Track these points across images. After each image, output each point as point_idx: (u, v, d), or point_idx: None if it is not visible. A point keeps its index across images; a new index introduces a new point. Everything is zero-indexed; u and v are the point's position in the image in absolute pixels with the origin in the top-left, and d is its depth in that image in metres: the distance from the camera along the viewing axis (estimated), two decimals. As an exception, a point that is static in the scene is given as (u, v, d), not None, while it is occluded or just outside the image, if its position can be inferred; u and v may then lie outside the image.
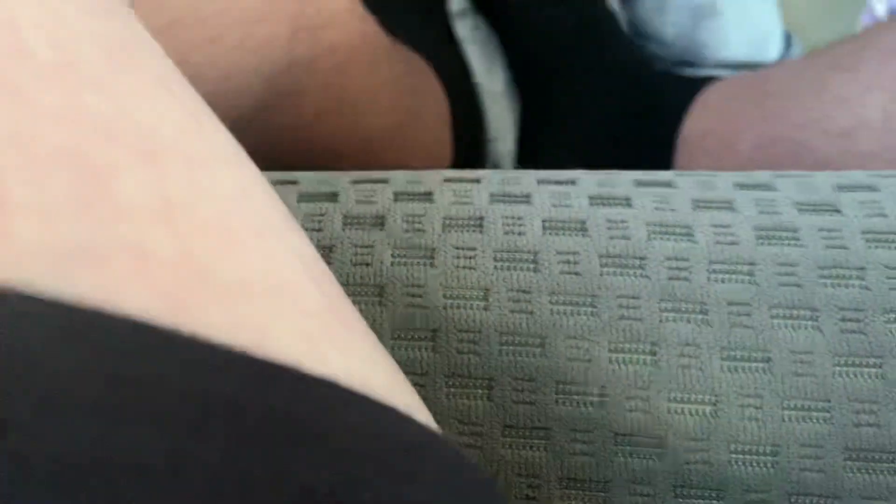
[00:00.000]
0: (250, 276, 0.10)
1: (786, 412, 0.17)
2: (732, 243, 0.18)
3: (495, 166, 0.49)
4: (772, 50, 0.53)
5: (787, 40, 0.53)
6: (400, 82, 0.41)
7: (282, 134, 0.35)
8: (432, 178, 0.20)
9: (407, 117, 0.42)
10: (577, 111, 0.50)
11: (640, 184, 0.20)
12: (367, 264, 0.18)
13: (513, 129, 0.51)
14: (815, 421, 0.17)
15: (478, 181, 0.20)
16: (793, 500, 0.17)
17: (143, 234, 0.09)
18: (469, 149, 0.47)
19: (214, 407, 0.08)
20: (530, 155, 0.50)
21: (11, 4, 0.10)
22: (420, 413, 0.12)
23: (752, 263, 0.18)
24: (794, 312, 0.17)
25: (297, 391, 0.10)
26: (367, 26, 0.37)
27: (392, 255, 0.18)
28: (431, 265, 0.18)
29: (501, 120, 0.50)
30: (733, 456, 0.17)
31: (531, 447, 0.17)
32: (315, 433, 0.09)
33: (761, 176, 0.20)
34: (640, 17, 0.54)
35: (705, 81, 0.46)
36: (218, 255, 0.10)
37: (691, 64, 0.53)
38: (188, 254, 0.10)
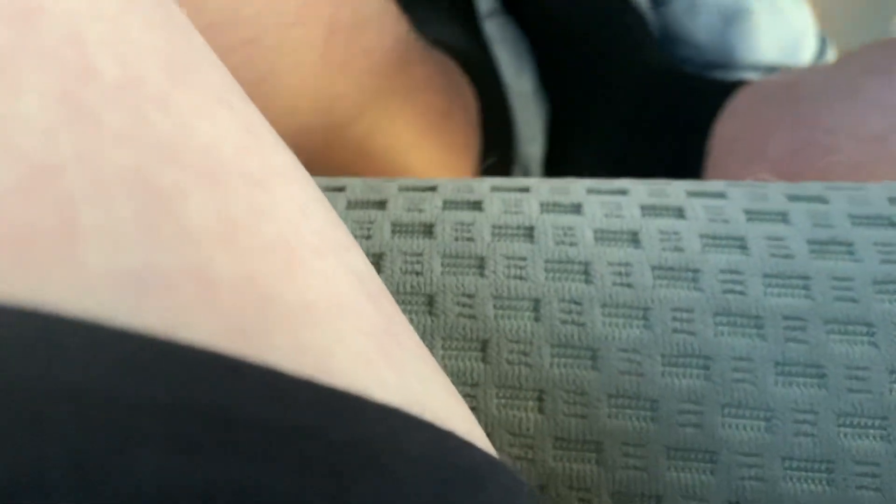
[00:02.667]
0: (312, 298, 0.10)
1: (841, 429, 0.17)
2: (787, 256, 0.18)
3: (524, 168, 0.49)
4: (805, 53, 0.52)
5: (822, 43, 0.52)
6: (432, 83, 0.41)
7: (312, 135, 0.35)
8: (481, 187, 0.20)
9: (438, 118, 0.42)
10: (607, 114, 0.49)
11: (691, 194, 0.19)
12: (418, 273, 0.18)
13: (542, 131, 0.50)
14: (871, 438, 0.17)
15: (527, 190, 0.20)
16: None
17: (208, 258, 0.09)
18: (498, 150, 0.47)
19: (281, 436, 0.08)
20: (559, 157, 0.49)
21: (77, 20, 0.10)
22: (477, 434, 0.12)
23: (806, 277, 0.17)
24: (850, 328, 0.17)
25: (360, 420, 0.10)
26: (400, 28, 0.37)
27: (442, 264, 0.18)
28: (481, 274, 0.18)
29: (530, 122, 0.50)
30: (787, 472, 0.17)
31: (582, 460, 0.17)
32: (379, 463, 0.09)
33: (813, 187, 0.20)
34: (670, 20, 0.54)
35: (736, 85, 0.46)
36: (280, 277, 0.10)
37: (722, 66, 0.53)
38: (251, 278, 0.10)
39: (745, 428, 0.17)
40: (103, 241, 0.09)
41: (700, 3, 0.53)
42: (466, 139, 0.45)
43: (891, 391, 0.17)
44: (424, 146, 0.41)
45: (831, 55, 0.51)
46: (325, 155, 0.36)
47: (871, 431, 0.17)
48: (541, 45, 0.52)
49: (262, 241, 0.10)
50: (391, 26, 0.36)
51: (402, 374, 0.11)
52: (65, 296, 0.08)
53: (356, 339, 0.11)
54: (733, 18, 0.53)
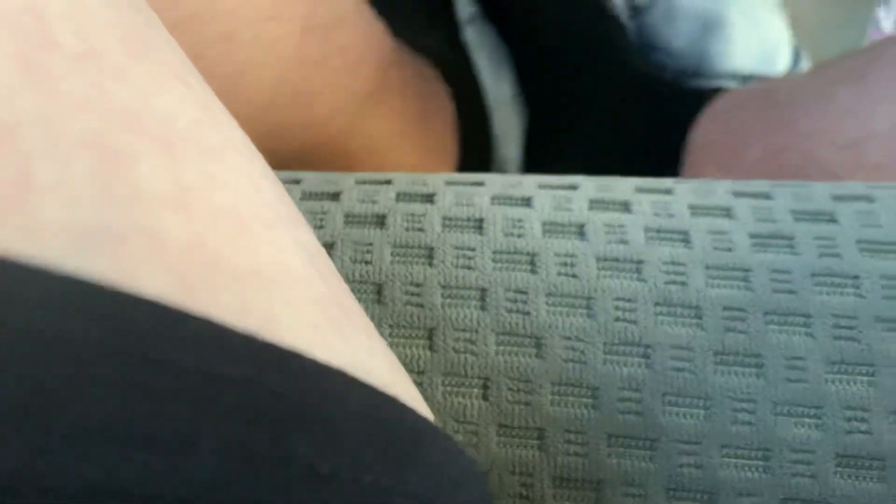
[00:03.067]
0: (260, 265, 0.11)
1: (778, 417, 0.17)
2: (728, 249, 0.18)
3: (501, 172, 0.49)
4: (780, 63, 0.53)
5: (796, 54, 0.53)
6: (408, 86, 0.41)
7: (292, 133, 0.36)
8: (435, 180, 0.20)
9: (414, 121, 0.42)
10: (585, 120, 0.50)
11: (639, 190, 0.20)
12: (367, 262, 0.18)
13: (519, 136, 0.51)
14: (806, 426, 0.17)
15: (481, 184, 0.20)
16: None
17: (159, 219, 0.10)
18: (475, 154, 0.48)
19: (224, 387, 0.09)
20: (537, 162, 0.50)
21: None
22: (419, 405, 0.13)
23: (747, 269, 0.18)
24: (788, 319, 0.17)
25: (303, 376, 0.10)
26: (375, 29, 0.37)
27: (392, 254, 0.18)
28: (430, 264, 0.18)
29: (508, 127, 0.51)
30: (725, 459, 0.17)
31: (525, 446, 0.17)
32: (320, 417, 0.10)
33: (759, 185, 0.20)
34: (648, 28, 0.55)
35: (713, 92, 0.47)
36: (229, 242, 0.11)
37: (699, 75, 0.53)
38: (201, 240, 0.10)
39: (684, 415, 0.17)
40: (57, 196, 0.09)
41: (677, 12, 0.54)
42: (444, 142, 0.46)
43: (826, 381, 0.17)
44: (402, 148, 0.42)
45: (806, 65, 0.51)
46: (304, 153, 0.36)
47: (807, 420, 0.17)
48: (520, 51, 0.52)
49: (213, 207, 0.11)
50: (366, 27, 0.36)
51: (348, 343, 0.12)
52: (18, 245, 0.08)
53: (302, 306, 0.11)
54: (710, 28, 0.53)
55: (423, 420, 0.12)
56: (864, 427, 0.17)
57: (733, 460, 0.17)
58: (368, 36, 0.36)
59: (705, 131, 0.45)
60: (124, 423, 0.08)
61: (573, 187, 0.20)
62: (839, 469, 0.17)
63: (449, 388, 0.17)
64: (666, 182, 0.20)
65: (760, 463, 0.17)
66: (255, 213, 0.12)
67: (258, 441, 0.09)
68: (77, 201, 0.09)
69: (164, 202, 0.10)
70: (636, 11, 0.55)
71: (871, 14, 0.50)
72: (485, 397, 0.17)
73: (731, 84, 0.50)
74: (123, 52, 0.11)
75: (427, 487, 0.11)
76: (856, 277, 0.18)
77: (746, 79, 0.52)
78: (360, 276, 0.18)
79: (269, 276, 0.11)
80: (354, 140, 0.39)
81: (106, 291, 0.09)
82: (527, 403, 0.17)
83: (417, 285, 0.18)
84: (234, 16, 0.28)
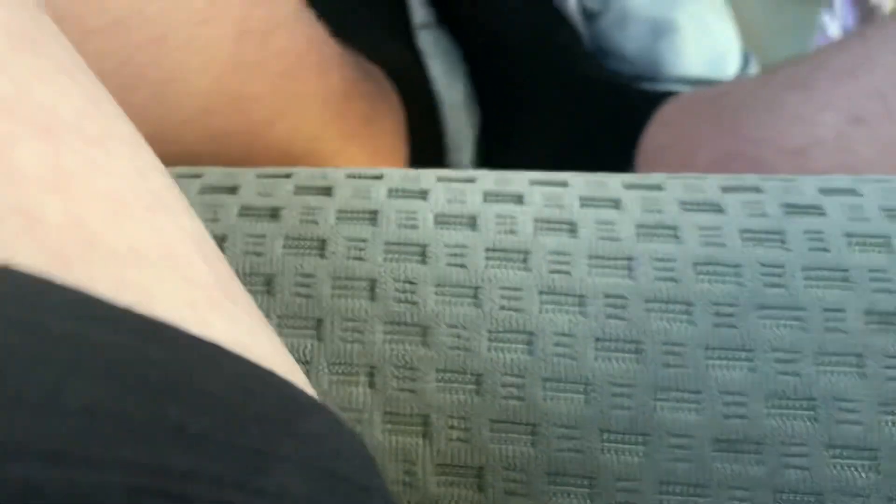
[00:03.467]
0: (138, 245, 0.11)
1: (658, 402, 0.17)
2: (613, 239, 0.19)
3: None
4: (730, 67, 0.54)
5: (745, 58, 0.53)
6: (353, 89, 0.41)
7: (231, 138, 0.36)
8: (335, 175, 0.20)
9: (361, 124, 0.42)
10: (537, 124, 0.50)
11: (533, 182, 0.20)
12: (258, 254, 0.18)
13: (472, 141, 0.51)
14: (685, 411, 0.17)
15: (380, 177, 0.20)
16: (663, 488, 0.17)
17: (35, 200, 0.10)
18: (427, 158, 0.48)
19: (92, 349, 0.09)
20: (490, 166, 0.50)
21: None
22: (303, 384, 0.13)
23: (629, 258, 0.18)
24: (670, 306, 0.18)
25: (175, 344, 0.10)
26: (315, 32, 0.37)
27: (283, 246, 0.18)
28: (322, 256, 0.18)
29: (460, 131, 0.51)
30: (605, 444, 0.17)
31: (410, 433, 0.17)
32: (191, 382, 0.10)
33: (654, 178, 0.20)
34: (600, 33, 0.55)
35: (664, 96, 0.47)
36: (108, 223, 0.11)
37: (650, 79, 0.54)
38: (77, 220, 0.11)
39: (564, 401, 0.17)
40: None
41: (629, 17, 0.55)
42: (394, 145, 0.46)
43: (706, 367, 0.18)
44: (349, 151, 0.42)
45: (754, 69, 0.52)
46: (249, 157, 0.36)
47: (686, 405, 0.17)
48: (474, 55, 0.53)
49: (93, 190, 0.11)
50: (305, 30, 0.36)
51: (230, 323, 0.12)
52: None
53: (182, 286, 0.11)
54: (661, 33, 0.54)
55: (303, 393, 0.12)
56: (740, 412, 0.17)
57: (613, 444, 0.17)
58: (308, 39, 0.37)
59: (656, 136, 0.46)
60: None
61: (470, 181, 0.20)
62: (717, 453, 0.17)
63: (335, 377, 0.18)
64: (562, 175, 0.21)
65: (640, 447, 0.17)
66: (137, 199, 0.12)
67: (126, 401, 0.09)
68: None
69: (43, 184, 0.10)
70: (589, 17, 0.55)
71: (818, 19, 0.51)
72: (371, 385, 0.18)
73: (681, 88, 0.51)
74: (5, 46, 0.11)
75: (305, 454, 0.11)
76: (737, 266, 0.18)
77: (697, 83, 0.53)
78: (251, 267, 0.18)
79: (148, 256, 0.11)
80: (298, 144, 0.39)
81: None
82: (412, 391, 0.17)
83: (308, 276, 0.18)
84: (164, 20, 0.29)
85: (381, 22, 0.51)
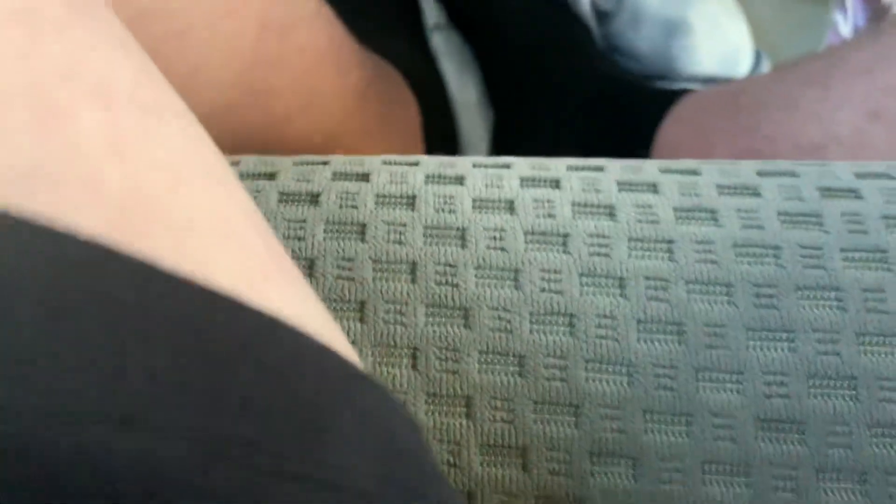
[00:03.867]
0: (196, 215, 0.11)
1: (700, 383, 0.17)
2: (653, 222, 0.19)
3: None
4: (742, 66, 0.54)
5: (757, 57, 0.54)
6: (370, 88, 0.41)
7: (252, 133, 0.36)
8: (372, 161, 0.20)
9: (376, 123, 0.42)
10: (551, 123, 0.50)
11: (571, 168, 0.20)
12: (300, 238, 0.18)
13: (486, 140, 0.51)
14: (727, 392, 0.17)
15: (416, 164, 0.20)
16: (706, 468, 0.17)
17: (95, 166, 0.10)
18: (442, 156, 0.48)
19: (157, 318, 0.09)
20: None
21: None
22: (354, 358, 0.13)
23: (670, 241, 0.18)
24: (710, 288, 0.18)
25: (235, 315, 0.10)
26: (334, 30, 0.37)
27: (324, 230, 0.19)
28: (362, 240, 0.18)
29: (474, 131, 0.51)
30: (648, 424, 0.17)
31: (453, 414, 0.17)
32: (251, 353, 0.10)
33: (687, 163, 0.21)
34: (614, 32, 0.55)
35: (678, 94, 0.47)
36: (166, 192, 0.11)
37: (664, 78, 0.54)
38: (137, 188, 0.11)
39: (607, 382, 0.17)
40: None
41: (642, 17, 0.55)
42: (409, 144, 0.46)
43: (747, 347, 0.18)
44: (364, 149, 0.42)
45: (766, 68, 0.52)
46: (267, 153, 0.37)
47: (728, 385, 0.17)
48: (487, 56, 0.53)
49: (149, 159, 0.11)
50: (325, 28, 0.37)
51: (283, 295, 0.12)
52: None
53: (238, 257, 0.12)
54: (674, 32, 0.54)
55: (354, 367, 0.12)
56: (782, 391, 0.17)
57: (656, 425, 0.17)
58: (329, 37, 0.37)
59: (670, 133, 0.46)
60: (57, 350, 0.08)
61: (507, 166, 0.20)
62: (759, 433, 0.17)
63: (379, 359, 0.18)
64: (598, 161, 0.21)
65: (683, 428, 0.17)
66: (192, 169, 0.12)
67: (188, 371, 0.09)
68: (14, 146, 0.10)
69: (102, 152, 0.11)
70: (602, 17, 0.56)
71: (830, 19, 0.51)
72: (414, 367, 0.18)
73: (694, 87, 0.51)
74: (65, 12, 0.12)
75: (361, 426, 0.11)
76: (776, 248, 0.18)
77: (709, 81, 0.53)
78: (293, 252, 0.18)
79: (205, 226, 0.11)
80: (315, 141, 0.39)
81: (42, 227, 0.09)
82: (454, 372, 0.18)
83: (349, 260, 0.18)
84: (188, 13, 0.29)
85: (394, 23, 0.52)
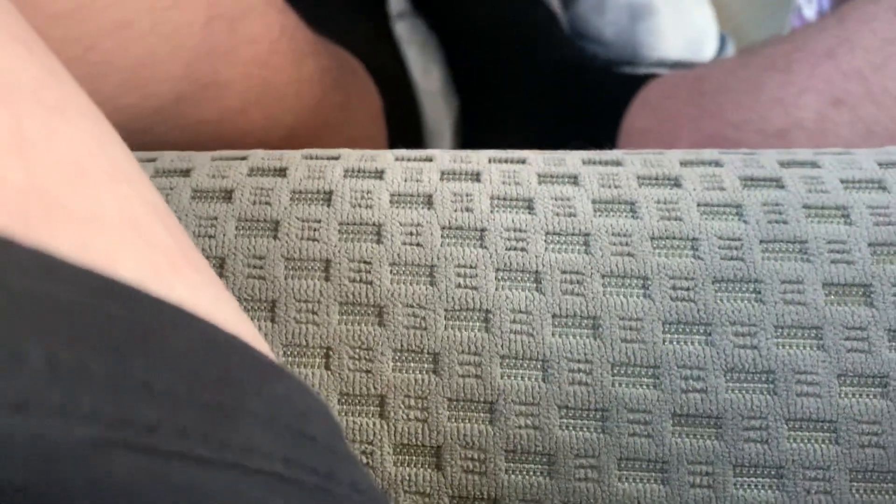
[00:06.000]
0: (100, 211, 0.11)
1: (615, 378, 0.17)
2: (570, 215, 0.18)
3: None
4: (707, 49, 0.54)
5: (722, 40, 0.53)
6: (327, 76, 0.41)
7: (205, 127, 0.35)
8: (292, 156, 0.20)
9: (335, 111, 0.42)
10: (517, 109, 0.50)
11: (492, 160, 0.20)
12: (210, 236, 0.18)
13: (451, 128, 0.51)
14: (643, 387, 0.17)
15: (336, 158, 0.20)
16: (621, 465, 0.17)
17: None
18: (406, 147, 0.48)
19: (53, 306, 0.09)
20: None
21: None
22: (266, 351, 0.13)
23: (587, 234, 0.18)
24: (626, 281, 0.18)
25: (138, 304, 0.10)
26: (287, 19, 0.37)
27: (236, 228, 0.18)
28: (275, 237, 0.18)
29: (438, 119, 0.51)
30: (563, 421, 0.17)
31: (367, 414, 0.17)
32: (154, 340, 0.10)
33: (611, 154, 0.20)
34: (579, 18, 0.55)
35: (644, 79, 0.47)
36: (69, 189, 0.11)
37: (629, 63, 0.54)
38: (39, 184, 0.11)
39: (522, 378, 0.17)
40: None
41: (607, 2, 0.54)
42: (371, 134, 0.46)
43: (663, 341, 0.17)
44: (325, 140, 0.41)
45: (731, 51, 0.52)
46: (222, 148, 0.36)
47: (644, 380, 0.17)
48: (452, 43, 0.53)
49: (53, 157, 0.11)
50: (277, 17, 0.36)
51: (193, 289, 0.12)
52: None
53: (145, 252, 0.11)
54: (639, 16, 0.54)
55: (267, 358, 0.12)
56: (699, 386, 0.17)
57: (571, 420, 0.17)
58: (281, 26, 0.36)
59: (637, 119, 0.46)
60: None
61: (429, 159, 0.20)
62: (676, 428, 0.17)
63: (291, 359, 0.17)
64: (521, 153, 0.20)
65: (598, 423, 0.17)
66: (98, 168, 0.12)
67: (87, 356, 0.09)
68: None
69: (4, 148, 0.10)
70: (567, 2, 0.55)
71: (794, 2, 0.51)
72: (327, 367, 0.17)
73: (660, 71, 0.51)
74: None
75: (272, 413, 0.11)
76: (695, 239, 0.18)
77: (675, 66, 0.53)
78: (204, 250, 0.18)
79: (110, 222, 0.11)
80: (273, 133, 0.39)
81: None
82: (368, 371, 0.17)
83: (261, 258, 0.18)
84: (129, 4, 0.28)
85: (356, 11, 0.51)
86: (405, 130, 0.48)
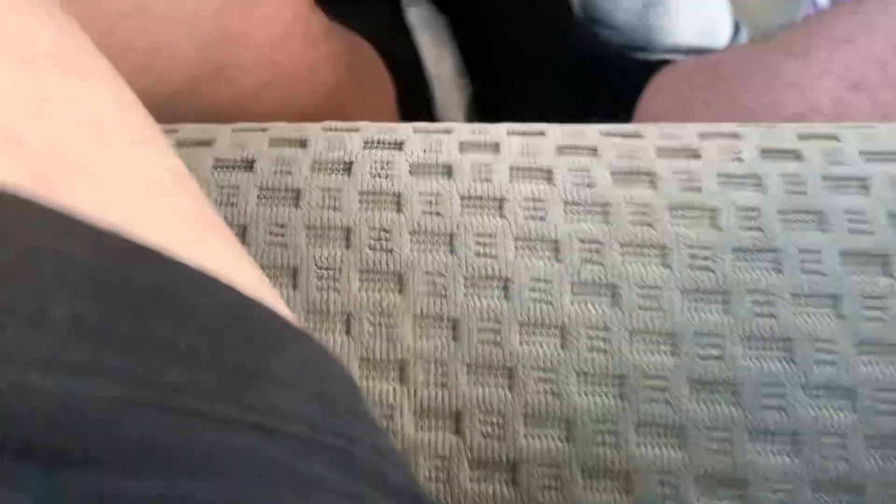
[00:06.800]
0: (121, 173, 0.11)
1: (634, 346, 0.17)
2: (589, 185, 0.18)
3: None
4: (721, 36, 0.53)
5: (736, 27, 0.53)
6: (340, 61, 0.41)
7: (220, 109, 0.36)
8: (312, 128, 0.20)
9: (348, 96, 0.42)
10: (529, 95, 0.50)
11: (511, 132, 0.20)
12: (232, 204, 0.18)
13: (462, 114, 0.51)
14: (661, 354, 0.17)
15: (356, 130, 0.20)
16: (640, 430, 0.17)
17: (15, 123, 0.10)
18: None
19: (76, 266, 0.09)
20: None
21: None
22: (288, 316, 0.13)
23: (606, 204, 0.18)
24: (645, 250, 0.18)
25: (160, 266, 0.10)
26: (301, 4, 0.37)
27: (258, 197, 0.18)
28: (296, 206, 0.18)
29: (450, 104, 0.51)
30: (581, 387, 0.17)
31: (387, 379, 0.17)
32: (177, 301, 0.10)
33: (630, 126, 0.20)
34: (592, 3, 0.55)
35: (658, 65, 0.47)
36: (90, 150, 0.11)
37: (643, 49, 0.54)
38: (58, 145, 0.11)
39: (540, 345, 0.17)
40: None
41: (620, -13, 0.54)
42: (383, 118, 0.46)
43: (681, 310, 0.17)
44: (338, 123, 0.42)
45: (745, 38, 0.52)
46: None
47: (662, 347, 0.17)
48: (465, 28, 0.53)
49: (74, 118, 0.11)
50: (290, 1, 0.36)
51: (215, 254, 0.12)
52: None
53: (167, 215, 0.11)
54: (652, 2, 0.54)
55: (289, 322, 0.12)
56: (716, 353, 0.17)
57: (589, 387, 0.17)
58: (294, 11, 0.36)
59: (651, 104, 0.46)
60: None
61: (447, 131, 0.20)
62: (693, 394, 0.17)
63: (312, 325, 0.18)
64: (540, 126, 0.21)
65: (616, 390, 0.17)
66: (119, 130, 0.12)
67: (111, 315, 0.09)
68: None
69: (23, 109, 0.10)
70: (580, -13, 0.55)
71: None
72: (348, 332, 0.18)
73: (674, 57, 0.51)
74: None
75: (294, 375, 0.11)
76: (713, 209, 0.18)
77: (689, 52, 0.52)
78: (226, 218, 0.18)
79: (131, 184, 0.11)
80: (286, 116, 0.39)
81: None
82: (388, 338, 0.17)
83: (282, 226, 0.18)
84: None
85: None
86: (417, 116, 0.48)
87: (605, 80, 0.48)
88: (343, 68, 0.41)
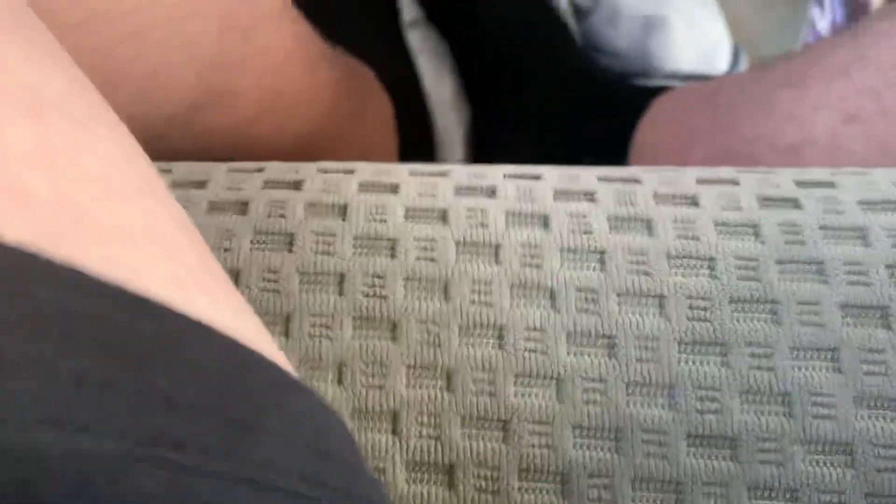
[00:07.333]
0: (127, 225, 0.11)
1: (630, 398, 0.17)
2: (586, 232, 0.18)
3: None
4: (720, 62, 0.54)
5: (735, 53, 0.53)
6: (339, 86, 0.41)
7: (219, 135, 0.36)
8: (307, 169, 0.20)
9: (347, 121, 0.42)
10: (529, 120, 0.50)
11: (507, 176, 0.20)
12: (226, 249, 0.18)
13: (461, 138, 0.51)
14: (658, 407, 0.17)
15: (351, 172, 0.20)
16: (635, 485, 0.17)
17: (23, 176, 0.10)
18: (417, 156, 0.48)
19: (82, 322, 0.09)
20: (482, 162, 0.50)
21: None
22: (286, 367, 0.13)
23: (602, 252, 0.18)
24: (641, 300, 0.18)
25: (163, 319, 0.10)
26: (300, 29, 0.37)
27: (251, 241, 0.18)
28: (289, 250, 0.18)
29: (450, 128, 0.51)
30: (577, 440, 0.17)
31: (379, 430, 0.17)
32: (179, 355, 0.10)
33: (628, 170, 0.20)
34: (591, 30, 0.55)
35: (657, 91, 0.47)
36: (96, 202, 0.11)
37: (642, 75, 0.54)
38: (66, 197, 0.11)
39: (536, 396, 0.17)
40: None
41: (620, 14, 0.54)
42: (383, 143, 0.46)
43: (679, 361, 0.17)
44: (337, 149, 0.42)
45: (744, 65, 0.52)
46: (234, 156, 0.36)
47: (659, 400, 0.17)
48: (465, 53, 0.53)
49: (80, 169, 0.11)
50: (290, 27, 0.36)
51: (215, 304, 0.12)
52: None
53: (170, 266, 0.12)
54: (652, 29, 0.54)
55: (289, 374, 0.12)
56: (714, 407, 0.17)
57: (585, 440, 0.17)
58: (294, 36, 0.36)
59: (650, 131, 0.46)
60: None
61: (443, 174, 0.20)
62: (690, 448, 0.17)
63: (303, 374, 0.17)
64: (537, 169, 0.20)
65: (612, 444, 0.17)
66: (125, 181, 0.12)
67: (114, 371, 0.09)
68: None
69: (30, 161, 0.11)
70: (580, 14, 0.55)
71: (807, 15, 0.51)
72: (339, 382, 0.17)
73: (673, 84, 0.51)
74: None
75: (291, 429, 0.11)
76: (711, 259, 0.18)
77: (688, 78, 0.53)
78: (220, 262, 0.18)
79: (136, 235, 0.11)
80: (285, 142, 0.39)
81: None
82: (381, 387, 0.17)
83: (275, 272, 0.18)
84: (143, 14, 0.28)
85: (369, 20, 0.51)
86: (416, 139, 0.48)
87: (603, 106, 0.48)
88: (342, 93, 0.41)
